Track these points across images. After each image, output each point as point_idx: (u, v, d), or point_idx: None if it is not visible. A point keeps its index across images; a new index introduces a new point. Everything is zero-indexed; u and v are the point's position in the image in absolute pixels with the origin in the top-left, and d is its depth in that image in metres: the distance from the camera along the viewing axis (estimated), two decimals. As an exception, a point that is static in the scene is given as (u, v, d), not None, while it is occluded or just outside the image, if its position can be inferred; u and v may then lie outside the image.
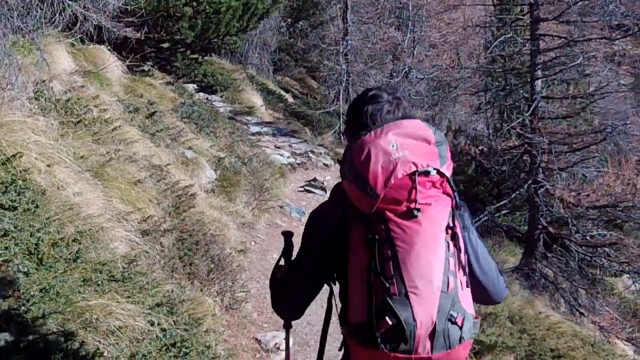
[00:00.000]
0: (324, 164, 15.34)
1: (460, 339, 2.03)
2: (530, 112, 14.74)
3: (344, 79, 18.92)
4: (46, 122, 5.79)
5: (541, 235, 14.80)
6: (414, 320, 1.97)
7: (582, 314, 13.42)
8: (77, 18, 7.58)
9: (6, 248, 3.45)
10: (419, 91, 22.62)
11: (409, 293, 1.99)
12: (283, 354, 5.72)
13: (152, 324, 4.00)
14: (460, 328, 2.03)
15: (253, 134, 16.09)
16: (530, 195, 14.87)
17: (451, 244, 2.10)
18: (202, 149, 9.95)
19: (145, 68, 12.78)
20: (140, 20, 10.12)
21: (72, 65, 8.70)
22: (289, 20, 27.68)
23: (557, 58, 15.33)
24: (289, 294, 2.43)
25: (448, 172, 2.18)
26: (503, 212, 16.65)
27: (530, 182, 14.76)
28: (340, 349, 2.42)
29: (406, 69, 21.09)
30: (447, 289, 2.03)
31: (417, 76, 21.73)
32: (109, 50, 10.43)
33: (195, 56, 15.39)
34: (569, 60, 15.10)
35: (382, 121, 2.33)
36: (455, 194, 2.20)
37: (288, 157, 14.97)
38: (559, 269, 14.62)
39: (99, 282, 3.95)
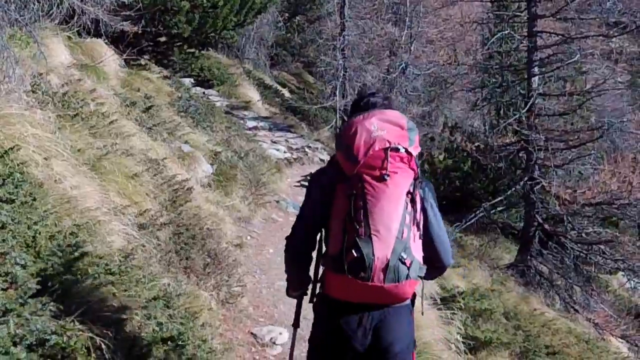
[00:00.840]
0: (320, 159, 15.36)
1: (407, 276, 2.72)
2: (526, 109, 14.73)
3: (341, 75, 18.86)
4: (43, 115, 5.78)
5: (537, 232, 14.81)
6: (373, 255, 2.67)
7: (577, 311, 13.43)
8: (74, 11, 7.58)
9: (3, 240, 3.45)
10: (416, 87, 22.61)
11: (372, 235, 2.69)
12: (278, 348, 5.73)
13: (149, 318, 4.00)
14: (408, 268, 2.71)
15: (249, 129, 16.11)
16: (526, 192, 14.87)
17: (409, 205, 2.79)
18: (199, 143, 9.95)
19: (142, 62, 12.78)
20: (138, 14, 10.12)
21: (69, 58, 8.71)
22: (286, 15, 27.67)
23: (554, 55, 15.32)
24: (295, 234, 3.06)
25: (414, 151, 2.88)
26: (499, 208, 16.66)
27: (526, 179, 14.76)
28: (318, 281, 3.13)
29: (403, 64, 21.05)
30: (402, 237, 2.71)
31: (414, 72, 21.70)
32: (106, 43, 10.43)
33: (192, 50, 15.42)
34: (566, 57, 15.08)
35: None
36: (418, 169, 2.89)
37: (284, 152, 15.00)
38: (554, 266, 14.64)
39: (96, 276, 3.95)
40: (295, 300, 3.43)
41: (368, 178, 2.76)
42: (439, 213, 3.01)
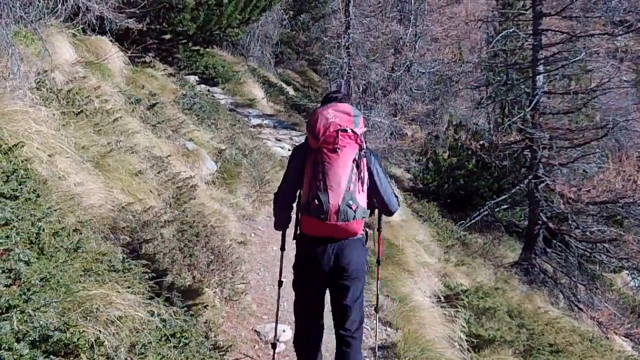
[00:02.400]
0: (324, 156, 15.26)
1: (354, 217, 3.88)
2: (531, 107, 14.73)
3: (346, 73, 18.79)
4: (48, 112, 5.79)
5: (541, 231, 14.81)
6: (329, 202, 3.83)
7: (580, 309, 13.42)
8: (79, 8, 7.58)
9: (7, 237, 3.45)
10: (420, 85, 22.58)
11: (328, 189, 3.85)
12: (282, 345, 5.73)
13: (152, 314, 4.00)
14: (354, 212, 3.88)
15: (254, 127, 16.09)
16: (531, 191, 14.87)
17: (355, 168, 3.93)
18: (203, 140, 9.95)
19: (147, 59, 12.76)
20: (142, 12, 10.11)
21: (73, 55, 8.70)
22: (291, 12, 27.62)
23: (559, 53, 15.30)
24: (281, 190, 4.35)
25: (359, 131, 4.01)
26: (503, 207, 16.67)
27: (530, 177, 14.76)
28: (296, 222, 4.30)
29: (408, 62, 21.04)
30: (349, 190, 3.87)
31: (419, 70, 21.68)
32: (111, 41, 10.41)
33: (197, 48, 15.41)
34: (571, 55, 15.06)
35: None
36: (363, 143, 4.04)
37: (289, 149, 14.94)
38: (558, 264, 14.64)
39: (100, 272, 3.95)
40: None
41: (326, 151, 3.92)
42: (382, 173, 4.24)
